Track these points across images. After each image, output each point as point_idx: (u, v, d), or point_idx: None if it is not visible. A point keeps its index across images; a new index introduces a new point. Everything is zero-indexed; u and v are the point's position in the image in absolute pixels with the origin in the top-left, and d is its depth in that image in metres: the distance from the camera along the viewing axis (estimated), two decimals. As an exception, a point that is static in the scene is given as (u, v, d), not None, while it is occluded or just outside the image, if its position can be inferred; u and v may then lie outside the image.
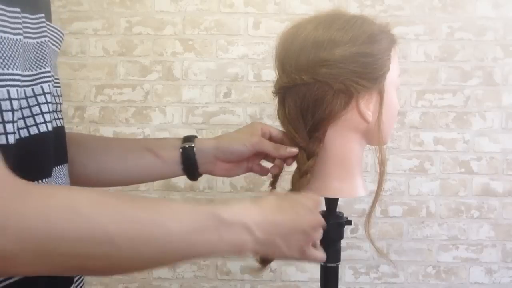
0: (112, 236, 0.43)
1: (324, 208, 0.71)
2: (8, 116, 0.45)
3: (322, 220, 0.62)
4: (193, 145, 0.74)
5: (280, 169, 0.75)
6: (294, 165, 0.74)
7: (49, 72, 0.52)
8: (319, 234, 0.62)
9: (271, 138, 0.76)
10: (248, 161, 0.77)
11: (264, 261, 0.74)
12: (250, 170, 0.78)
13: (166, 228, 0.47)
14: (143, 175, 0.76)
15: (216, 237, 0.50)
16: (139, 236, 0.45)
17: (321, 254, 0.65)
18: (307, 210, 0.60)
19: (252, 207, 0.55)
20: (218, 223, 0.50)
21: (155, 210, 0.47)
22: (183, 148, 0.73)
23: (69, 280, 0.57)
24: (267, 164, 0.79)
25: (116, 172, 0.74)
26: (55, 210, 0.41)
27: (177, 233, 0.47)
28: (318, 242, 0.65)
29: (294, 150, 0.72)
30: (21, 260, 0.40)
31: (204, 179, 1.38)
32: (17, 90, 0.46)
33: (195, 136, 0.76)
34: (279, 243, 0.56)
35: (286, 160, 0.74)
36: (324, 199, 0.76)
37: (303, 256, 0.61)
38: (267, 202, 0.57)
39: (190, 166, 0.74)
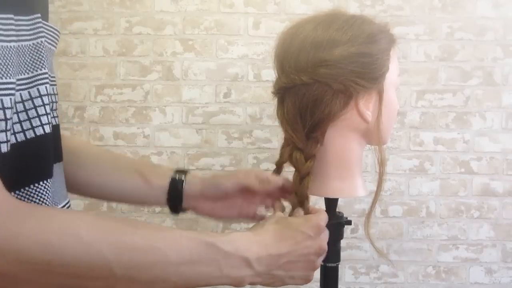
0: (110, 261, 0.44)
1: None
2: (1, 125, 0.45)
3: (323, 245, 0.60)
4: (183, 177, 0.73)
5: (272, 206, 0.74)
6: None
7: (46, 73, 0.52)
8: (320, 260, 0.61)
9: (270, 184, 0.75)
10: (235, 201, 0.75)
11: None
12: (239, 214, 0.76)
13: (165, 257, 0.47)
14: (127, 197, 0.75)
15: (215, 270, 0.50)
16: (137, 264, 0.45)
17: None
18: (307, 237, 0.58)
19: (252, 240, 0.55)
20: (218, 256, 0.50)
21: (155, 237, 0.48)
22: (173, 179, 0.73)
23: None
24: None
25: (103, 187, 0.73)
26: (54, 233, 0.41)
27: (175, 263, 0.48)
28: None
29: (278, 179, 0.71)
30: (20, 279, 0.41)
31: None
32: (10, 99, 0.45)
33: (188, 171, 0.75)
34: (280, 274, 0.56)
35: (281, 194, 0.73)
36: (324, 199, 0.76)
37: (307, 282, 0.60)
38: (267, 232, 0.57)
39: (176, 197, 0.73)
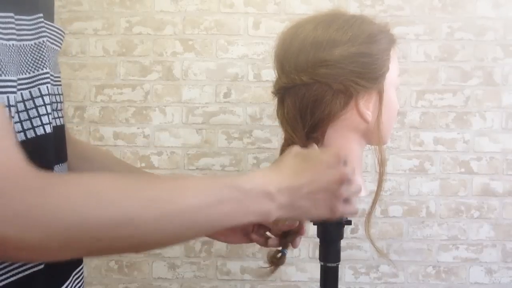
0: (136, 217, 0.44)
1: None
2: None
3: (345, 173, 0.57)
4: None
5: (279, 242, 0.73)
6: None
7: (47, 73, 0.52)
8: (345, 189, 0.58)
9: None
10: (248, 230, 0.74)
11: (274, 262, 0.73)
12: (250, 240, 0.75)
13: (188, 203, 0.47)
14: None
15: (239, 208, 0.50)
16: (162, 215, 0.45)
17: (350, 208, 0.61)
18: (327, 166, 0.57)
19: (271, 174, 0.54)
20: (240, 195, 0.50)
21: (176, 187, 0.48)
22: None
23: (65, 277, 0.57)
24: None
25: None
26: (77, 197, 0.42)
27: (201, 207, 0.47)
28: (350, 197, 0.60)
29: (292, 223, 0.70)
30: (48, 248, 0.41)
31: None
32: (14, 97, 0.46)
33: None
34: (304, 205, 0.55)
35: (292, 241, 0.73)
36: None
37: (334, 214, 0.58)
38: (286, 165, 0.56)
39: None
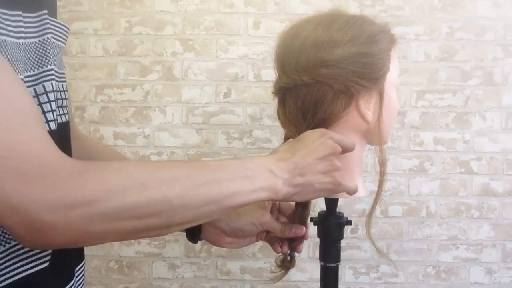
0: (165, 193, 0.47)
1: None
2: None
3: (335, 145, 0.61)
4: None
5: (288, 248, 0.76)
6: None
7: (52, 70, 0.52)
8: (337, 161, 0.62)
9: (280, 211, 0.77)
10: (253, 235, 0.77)
11: (286, 265, 0.74)
12: (256, 241, 0.78)
13: (206, 178, 0.51)
14: None
15: (249, 184, 0.54)
16: (187, 189, 0.49)
17: (352, 185, 0.64)
18: (317, 142, 0.60)
19: (270, 156, 0.60)
20: (246, 171, 0.55)
21: (191, 166, 0.53)
22: None
23: (70, 275, 0.57)
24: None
25: None
26: (113, 180, 0.45)
27: (215, 181, 0.52)
28: (344, 171, 0.64)
29: (299, 230, 0.72)
30: (90, 231, 0.44)
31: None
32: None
33: None
34: (306, 179, 0.59)
35: (295, 246, 0.75)
36: (324, 199, 0.76)
37: (337, 185, 0.61)
38: (282, 148, 0.62)
39: (194, 231, 0.74)
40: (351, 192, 0.65)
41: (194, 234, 0.74)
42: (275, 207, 0.76)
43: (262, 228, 0.73)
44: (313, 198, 0.65)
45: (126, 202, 0.45)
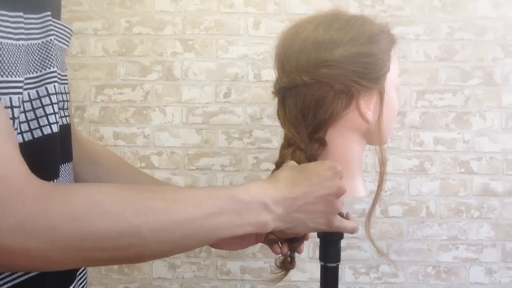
0: (137, 226, 0.44)
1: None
2: None
3: (340, 186, 0.59)
4: None
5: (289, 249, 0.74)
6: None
7: (54, 72, 0.52)
8: (341, 202, 0.60)
9: None
10: (252, 237, 0.74)
11: (287, 266, 0.74)
12: (256, 243, 0.76)
13: (187, 214, 0.48)
14: None
15: (236, 218, 0.51)
16: (162, 225, 0.46)
17: (351, 224, 0.63)
18: (323, 178, 0.58)
19: (268, 186, 0.55)
20: (237, 205, 0.51)
21: (174, 198, 0.49)
22: None
23: (71, 278, 0.57)
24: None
25: None
26: (79, 207, 0.42)
27: (199, 217, 0.48)
28: (349, 214, 0.64)
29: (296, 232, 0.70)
30: (51, 257, 0.42)
31: (203, 179, 1.38)
32: (18, 97, 0.45)
33: None
34: (300, 217, 0.56)
35: (296, 247, 0.73)
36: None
37: (331, 227, 0.60)
38: (282, 177, 0.57)
39: None
40: (347, 232, 0.63)
41: None
42: None
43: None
44: (304, 233, 0.64)
45: (90, 232, 0.42)
